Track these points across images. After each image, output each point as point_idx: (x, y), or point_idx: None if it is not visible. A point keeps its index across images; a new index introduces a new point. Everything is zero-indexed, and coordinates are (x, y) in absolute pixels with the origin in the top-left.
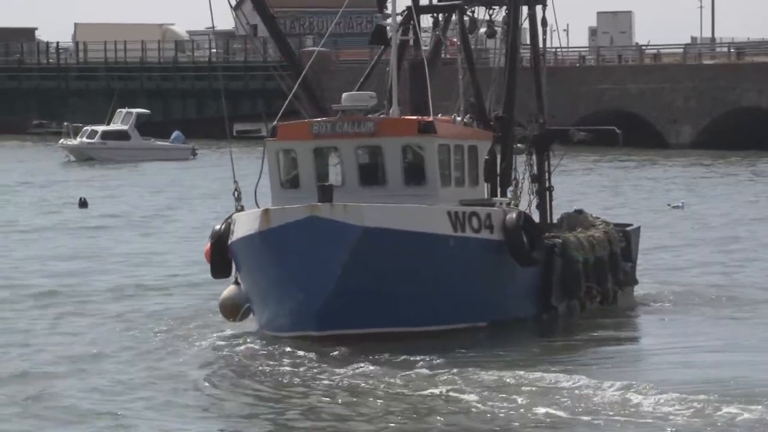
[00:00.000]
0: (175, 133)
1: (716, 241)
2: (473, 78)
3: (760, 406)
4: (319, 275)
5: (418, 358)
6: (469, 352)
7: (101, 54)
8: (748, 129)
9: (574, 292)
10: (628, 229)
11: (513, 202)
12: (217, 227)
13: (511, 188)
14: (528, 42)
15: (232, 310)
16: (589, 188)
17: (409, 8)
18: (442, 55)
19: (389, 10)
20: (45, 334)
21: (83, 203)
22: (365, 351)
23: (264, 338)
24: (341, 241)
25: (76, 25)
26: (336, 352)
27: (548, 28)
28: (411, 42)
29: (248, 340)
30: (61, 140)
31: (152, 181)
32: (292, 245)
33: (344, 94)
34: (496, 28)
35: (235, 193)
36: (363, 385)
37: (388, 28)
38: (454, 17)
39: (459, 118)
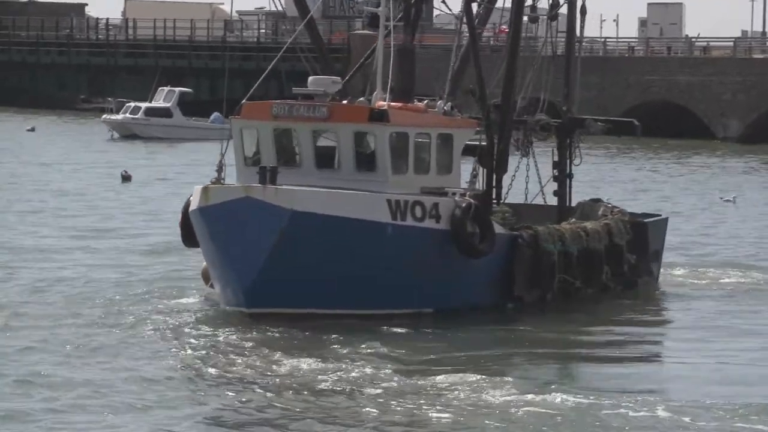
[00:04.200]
0: (214, 115)
1: (760, 238)
2: (477, 64)
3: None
4: (248, 254)
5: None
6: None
7: (150, 31)
8: None
9: (543, 283)
10: (649, 220)
11: (469, 192)
12: (190, 197)
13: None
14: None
15: (205, 275)
16: (638, 179)
17: None
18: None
19: None
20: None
21: (126, 177)
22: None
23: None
24: (271, 222)
25: (125, 1)
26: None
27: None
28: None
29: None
30: (104, 116)
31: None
32: (226, 223)
33: (310, 78)
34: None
35: (217, 165)
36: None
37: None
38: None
39: (441, 105)
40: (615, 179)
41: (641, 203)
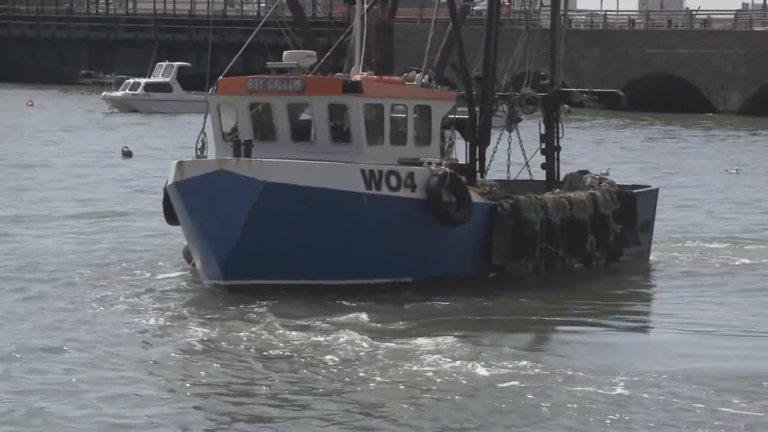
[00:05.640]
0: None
1: (760, 211)
2: (457, 37)
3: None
4: (224, 227)
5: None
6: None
7: (150, 5)
8: None
9: (524, 252)
10: (638, 191)
11: (444, 161)
12: None
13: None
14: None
15: (186, 254)
16: (638, 152)
17: None
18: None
19: None
20: None
21: (126, 153)
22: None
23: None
24: (244, 194)
25: None
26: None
27: None
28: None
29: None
30: (104, 93)
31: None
32: (201, 197)
33: (285, 52)
34: None
35: (199, 142)
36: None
37: None
38: None
39: (419, 77)
40: (614, 152)
41: (641, 176)
